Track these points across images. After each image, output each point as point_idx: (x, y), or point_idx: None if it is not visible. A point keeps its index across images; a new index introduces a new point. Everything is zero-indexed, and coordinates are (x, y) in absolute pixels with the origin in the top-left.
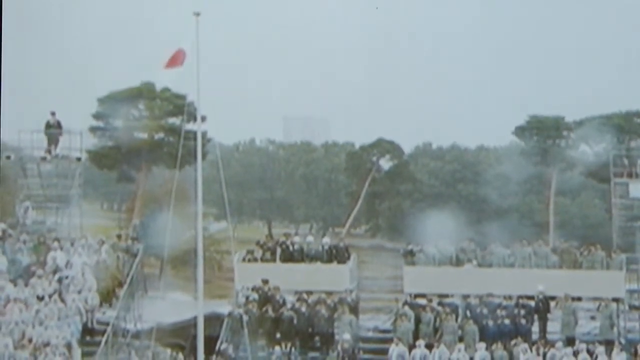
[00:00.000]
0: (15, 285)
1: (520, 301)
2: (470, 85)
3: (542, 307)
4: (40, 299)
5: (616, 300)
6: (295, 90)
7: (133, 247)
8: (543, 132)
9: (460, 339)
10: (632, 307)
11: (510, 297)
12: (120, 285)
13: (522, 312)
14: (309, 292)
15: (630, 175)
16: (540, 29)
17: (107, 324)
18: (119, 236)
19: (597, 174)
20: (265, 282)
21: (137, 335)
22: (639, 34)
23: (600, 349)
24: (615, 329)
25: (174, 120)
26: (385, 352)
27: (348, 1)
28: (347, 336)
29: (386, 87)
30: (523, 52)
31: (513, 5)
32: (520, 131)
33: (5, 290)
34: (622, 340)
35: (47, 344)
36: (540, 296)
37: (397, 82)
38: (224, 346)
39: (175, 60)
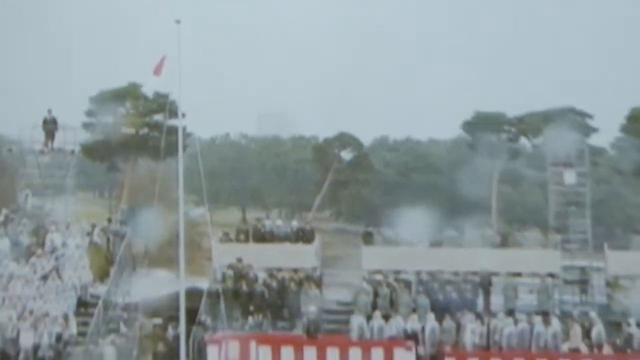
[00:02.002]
0: (17, 263)
1: (467, 277)
2: (422, 84)
3: (486, 283)
4: (42, 277)
5: (552, 275)
6: (266, 90)
7: (121, 230)
8: (487, 126)
9: (414, 311)
10: (566, 282)
11: (457, 274)
12: (111, 263)
13: (469, 286)
14: (279, 269)
15: (564, 165)
16: (485, 33)
17: (99, 298)
18: (109, 220)
19: (535, 164)
20: (240, 260)
21: (125, 307)
22: (574, 36)
23: (537, 319)
24: (550, 301)
25: (157, 117)
26: (346, 322)
27: (316, 9)
28: (312, 308)
29: (347, 86)
30: (470, 53)
31: (465, 12)
32: (467, 126)
33: (8, 268)
34: (557, 311)
35: (46, 315)
36: (485, 273)
37: (357, 82)
38: (203, 317)
39: (158, 69)
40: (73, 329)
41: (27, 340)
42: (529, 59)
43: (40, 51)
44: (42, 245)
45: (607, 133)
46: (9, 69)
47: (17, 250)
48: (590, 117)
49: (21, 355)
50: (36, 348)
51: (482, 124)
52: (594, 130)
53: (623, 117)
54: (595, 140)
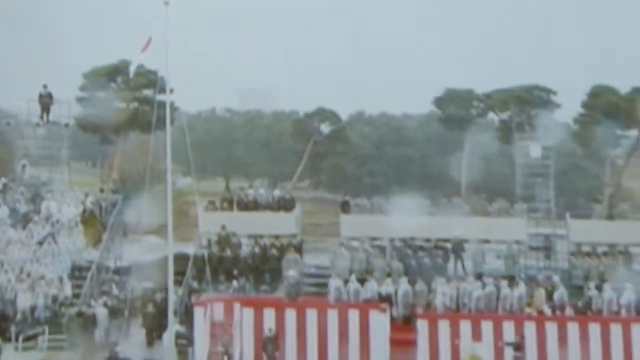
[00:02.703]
0: (15, 229)
1: (438, 243)
2: (396, 62)
3: (457, 249)
4: (39, 242)
5: (518, 242)
6: (250, 67)
7: (113, 199)
8: (457, 102)
9: (388, 275)
10: (531, 248)
11: (429, 240)
12: (103, 230)
13: (440, 252)
14: (261, 236)
15: (530, 138)
16: (454, 15)
17: (92, 262)
18: (101, 190)
19: (502, 138)
20: (224, 227)
21: (117, 271)
22: (538, 17)
23: (504, 283)
24: (516, 266)
25: (147, 92)
26: (325, 285)
27: None
28: (293, 272)
29: (326, 64)
30: (441, 33)
31: None
32: (438, 101)
33: (6, 234)
34: (522, 276)
35: (42, 278)
36: (456, 239)
37: (335, 60)
38: (190, 281)
39: (147, 46)
40: (68, 291)
41: (24, 302)
42: (496, 39)
43: (35, 30)
44: (39, 212)
45: (570, 109)
46: (5, 46)
47: (14, 217)
48: (554, 93)
49: (19, 316)
50: (33, 309)
51: (452, 100)
52: (558, 106)
53: (585, 94)
54: (558, 115)
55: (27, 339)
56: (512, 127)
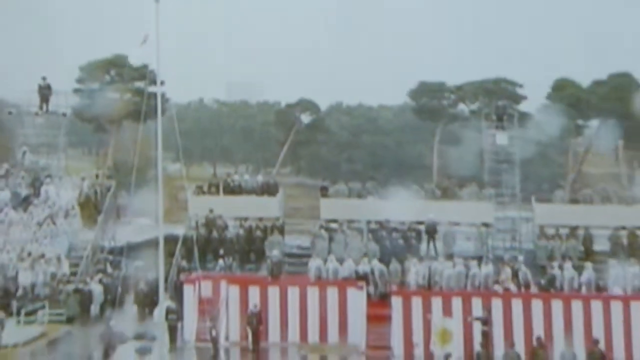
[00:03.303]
0: (16, 211)
1: (412, 226)
2: (372, 55)
3: (430, 230)
4: (38, 224)
5: (486, 225)
6: (236, 61)
7: (107, 184)
8: (430, 94)
9: (364, 255)
10: (498, 230)
11: (403, 223)
12: (98, 212)
13: (413, 234)
14: (246, 219)
15: (497, 128)
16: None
17: (88, 242)
18: (96, 175)
19: (472, 127)
20: (211, 211)
21: (111, 251)
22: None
23: (473, 263)
24: (484, 247)
25: (139, 84)
26: (305, 264)
27: None
28: (275, 252)
29: (306, 57)
30: (415, 27)
31: None
32: (412, 93)
33: (8, 216)
34: (490, 256)
35: (42, 257)
36: (429, 222)
37: (315, 54)
38: (179, 260)
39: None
40: (65, 269)
41: (25, 279)
42: (467, 35)
43: (35, 25)
44: (38, 195)
45: (534, 100)
46: (7, 40)
47: (16, 200)
48: (520, 86)
49: (20, 292)
50: (33, 285)
51: (425, 92)
52: (523, 98)
53: (548, 87)
54: (524, 106)
55: (28, 313)
56: (481, 117)
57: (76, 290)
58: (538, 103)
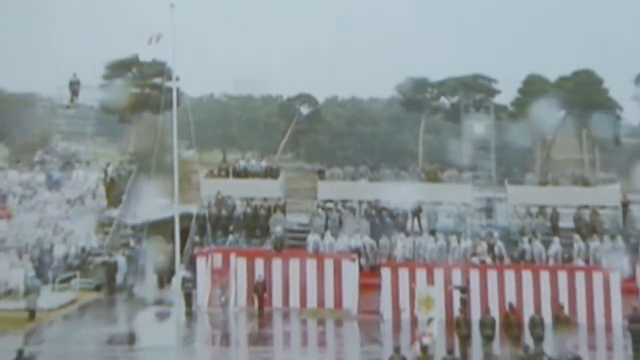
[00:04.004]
0: (50, 192)
1: (399, 205)
2: (364, 54)
3: (415, 209)
4: (70, 203)
5: (465, 204)
6: (243, 59)
7: (130, 168)
8: (415, 88)
9: (357, 231)
10: (476, 209)
11: (390, 202)
12: (122, 193)
13: (400, 212)
14: (252, 199)
15: (475, 119)
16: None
17: (113, 219)
18: (120, 161)
19: (452, 118)
20: (220, 192)
21: (133, 227)
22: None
23: (453, 238)
24: (463, 224)
25: (157, 80)
26: (304, 239)
27: None
28: (278, 229)
29: (305, 57)
30: (402, 28)
31: None
32: (399, 87)
33: (44, 196)
34: (468, 232)
35: (73, 232)
36: (415, 202)
37: (313, 54)
38: (193, 235)
39: (155, 39)
40: (94, 243)
41: (59, 251)
42: (449, 36)
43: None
44: (69, 178)
45: (508, 94)
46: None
47: (50, 182)
48: (495, 81)
49: (55, 263)
50: (66, 257)
51: (411, 86)
52: (498, 92)
53: (520, 82)
54: (498, 99)
55: (62, 281)
56: (460, 109)
57: (103, 262)
58: (511, 96)
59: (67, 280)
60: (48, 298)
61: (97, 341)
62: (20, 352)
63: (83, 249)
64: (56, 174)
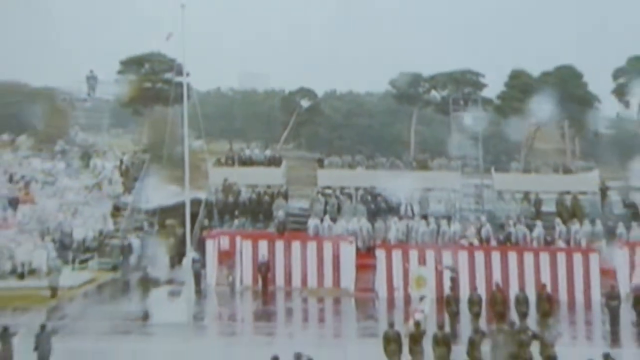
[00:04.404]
0: (70, 179)
1: (392, 192)
2: (360, 50)
3: (409, 195)
4: (88, 189)
5: (454, 190)
6: (247, 56)
7: (143, 157)
8: (408, 82)
9: (354, 215)
10: (464, 195)
11: (384, 189)
12: (136, 180)
13: (394, 198)
14: (256, 186)
15: (463, 111)
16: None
17: (128, 204)
18: (134, 150)
19: (442, 110)
20: (227, 179)
21: (147, 212)
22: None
23: (443, 221)
24: (453, 209)
25: (168, 75)
26: (305, 223)
27: None
28: (281, 213)
29: (306, 52)
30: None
31: None
32: (393, 82)
33: (64, 183)
34: (457, 216)
35: (91, 216)
36: (407, 188)
37: (312, 50)
38: (202, 219)
39: (169, 37)
40: (110, 226)
41: (78, 234)
42: (439, 33)
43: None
44: (87, 166)
45: (494, 88)
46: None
47: (70, 170)
48: (483, 76)
49: (74, 245)
50: (84, 239)
51: (403, 81)
52: (485, 85)
53: (506, 76)
54: (486, 92)
55: (81, 262)
56: (450, 102)
57: (119, 244)
58: (497, 90)
59: (85, 260)
60: (68, 277)
61: (114, 317)
62: (43, 327)
63: (100, 232)
64: (75, 162)
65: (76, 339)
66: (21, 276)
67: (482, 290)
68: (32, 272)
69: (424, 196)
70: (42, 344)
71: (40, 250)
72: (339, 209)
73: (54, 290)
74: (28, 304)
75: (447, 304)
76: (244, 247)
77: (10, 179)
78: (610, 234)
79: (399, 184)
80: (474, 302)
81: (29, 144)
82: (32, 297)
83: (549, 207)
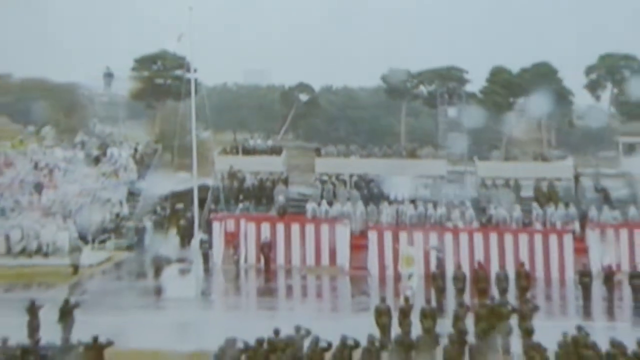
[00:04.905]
0: (89, 167)
1: (384, 178)
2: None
3: (400, 182)
4: (105, 175)
5: (440, 177)
6: (251, 53)
7: (156, 146)
8: (397, 78)
9: (348, 200)
10: (449, 181)
11: (378, 176)
12: (148, 168)
13: (386, 184)
14: (259, 172)
15: (448, 104)
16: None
17: (142, 190)
18: (148, 141)
19: (429, 103)
20: (232, 167)
21: (159, 197)
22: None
23: (430, 205)
24: (439, 194)
25: (178, 72)
26: (304, 207)
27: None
28: (281, 198)
29: (303, 51)
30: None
31: None
32: (384, 77)
33: (83, 171)
34: (443, 200)
35: (108, 201)
36: (397, 175)
37: (309, 48)
38: (209, 203)
39: (180, 38)
40: (125, 210)
41: (97, 217)
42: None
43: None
44: (105, 155)
45: (477, 83)
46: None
47: (89, 159)
48: (466, 72)
49: (93, 227)
50: (102, 222)
51: (394, 76)
52: (468, 81)
53: (487, 73)
54: (469, 87)
55: (99, 242)
56: (436, 96)
57: (134, 226)
58: (479, 85)
59: (103, 241)
60: (88, 256)
61: (130, 292)
62: (66, 301)
63: (117, 215)
64: (94, 151)
65: (96, 312)
66: (46, 255)
67: (465, 268)
68: (56, 251)
69: (413, 182)
70: (65, 316)
71: (63, 231)
72: (334, 194)
73: (75, 268)
74: (52, 280)
75: (434, 280)
76: (248, 229)
77: (36, 167)
78: (583, 217)
79: (389, 172)
80: (458, 279)
81: (52, 134)
82: (56, 274)
83: (527, 192)
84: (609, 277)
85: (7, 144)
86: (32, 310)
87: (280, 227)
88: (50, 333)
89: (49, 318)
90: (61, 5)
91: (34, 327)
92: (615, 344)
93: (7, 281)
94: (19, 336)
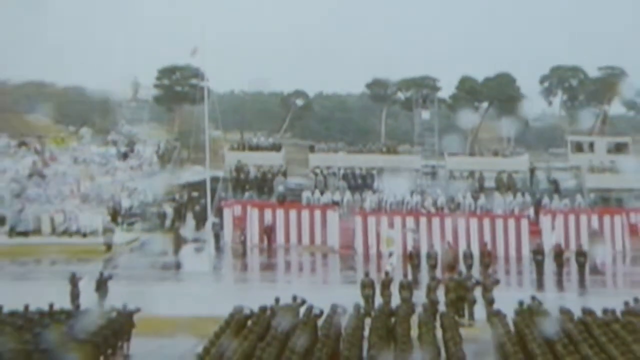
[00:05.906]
0: (119, 161)
1: (369, 171)
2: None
3: (380, 173)
4: (132, 169)
5: (416, 170)
6: (255, 65)
7: (175, 144)
8: (379, 86)
9: (337, 189)
10: (424, 173)
11: (361, 168)
12: (169, 162)
13: (369, 175)
14: (262, 166)
15: (422, 108)
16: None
17: (163, 180)
18: (168, 139)
19: (407, 107)
20: (239, 161)
21: (177, 186)
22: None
23: (407, 194)
24: (414, 184)
25: (193, 81)
26: (300, 195)
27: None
28: (281, 188)
29: (299, 62)
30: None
31: None
32: (368, 85)
33: (114, 164)
34: (419, 190)
35: (135, 190)
36: (379, 168)
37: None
38: (219, 192)
39: (195, 52)
40: (149, 197)
41: (126, 203)
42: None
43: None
44: (132, 151)
45: (447, 90)
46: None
47: (119, 155)
48: (438, 80)
49: (123, 211)
50: (131, 207)
51: (376, 85)
52: (439, 89)
53: (456, 81)
54: (440, 94)
55: (128, 224)
56: (412, 101)
57: (156, 211)
58: (449, 92)
59: (132, 224)
60: (119, 236)
61: (154, 267)
62: (101, 274)
63: (142, 202)
64: (123, 148)
65: (126, 283)
66: (84, 235)
67: (437, 247)
68: (92, 232)
69: (392, 174)
70: (100, 286)
71: (98, 215)
72: (326, 185)
73: (108, 246)
74: (89, 256)
75: (410, 258)
76: (253, 214)
77: (75, 161)
78: (537, 204)
79: (373, 165)
80: (431, 256)
81: (89, 134)
82: (92, 251)
83: (489, 183)
84: (558, 255)
85: (52, 142)
86: (73, 281)
87: (280, 213)
88: (88, 300)
89: (87, 288)
90: (96, 23)
91: (75, 295)
92: (564, 311)
93: (52, 256)
94: (63, 302)
